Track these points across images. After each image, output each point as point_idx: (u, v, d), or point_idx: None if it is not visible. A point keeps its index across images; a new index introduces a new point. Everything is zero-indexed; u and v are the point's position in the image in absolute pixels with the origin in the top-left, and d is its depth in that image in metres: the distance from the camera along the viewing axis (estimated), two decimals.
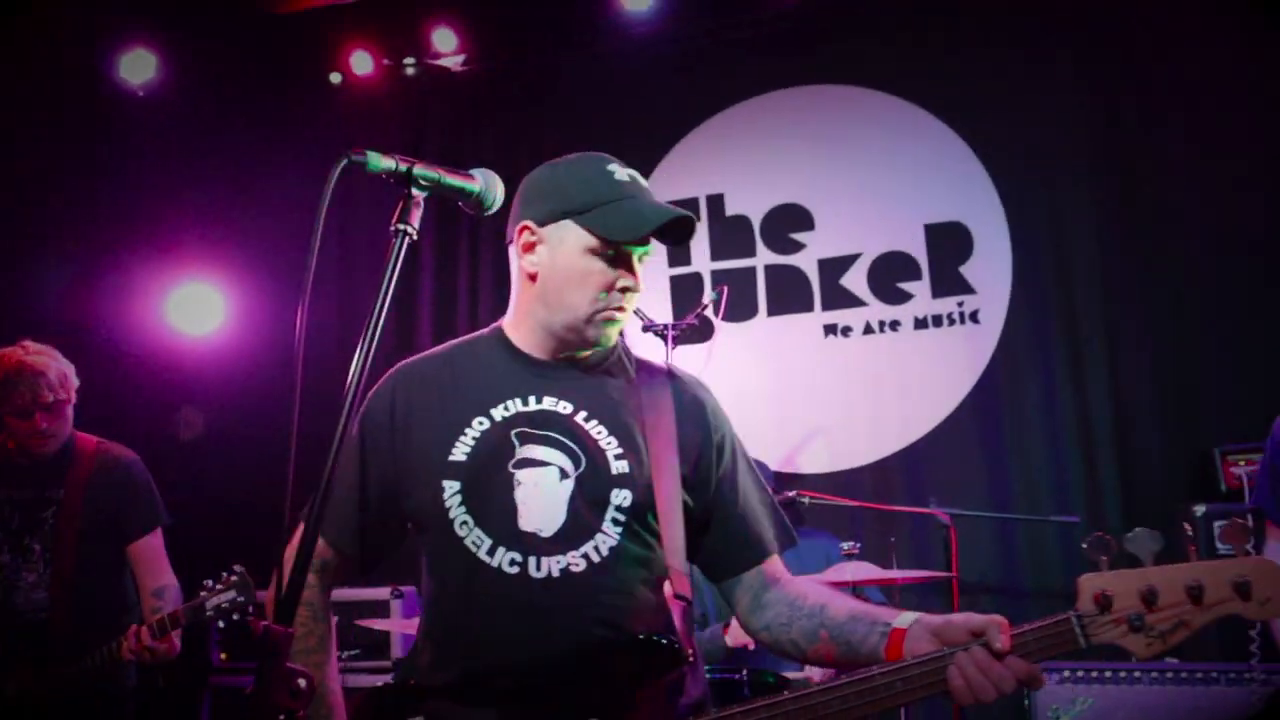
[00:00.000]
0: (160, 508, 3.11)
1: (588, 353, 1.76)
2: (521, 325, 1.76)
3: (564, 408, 1.72)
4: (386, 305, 1.38)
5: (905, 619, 1.57)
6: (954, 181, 4.52)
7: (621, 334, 1.81)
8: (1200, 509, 3.58)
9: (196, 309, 5.11)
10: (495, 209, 1.58)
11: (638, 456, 1.69)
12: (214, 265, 5.09)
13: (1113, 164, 4.29)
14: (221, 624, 2.73)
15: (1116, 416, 4.16)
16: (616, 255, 1.68)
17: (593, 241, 1.67)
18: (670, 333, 3.59)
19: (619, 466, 1.68)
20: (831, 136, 4.73)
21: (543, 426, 1.70)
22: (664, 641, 1.59)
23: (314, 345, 1.45)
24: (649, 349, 3.85)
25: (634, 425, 1.72)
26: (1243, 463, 3.56)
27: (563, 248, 1.69)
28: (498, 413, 1.72)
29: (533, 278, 1.72)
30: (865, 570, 3.37)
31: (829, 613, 1.68)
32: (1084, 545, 1.42)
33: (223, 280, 5.12)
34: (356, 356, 1.36)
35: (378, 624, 4.01)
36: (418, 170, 1.39)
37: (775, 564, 1.79)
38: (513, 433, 1.70)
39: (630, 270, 1.69)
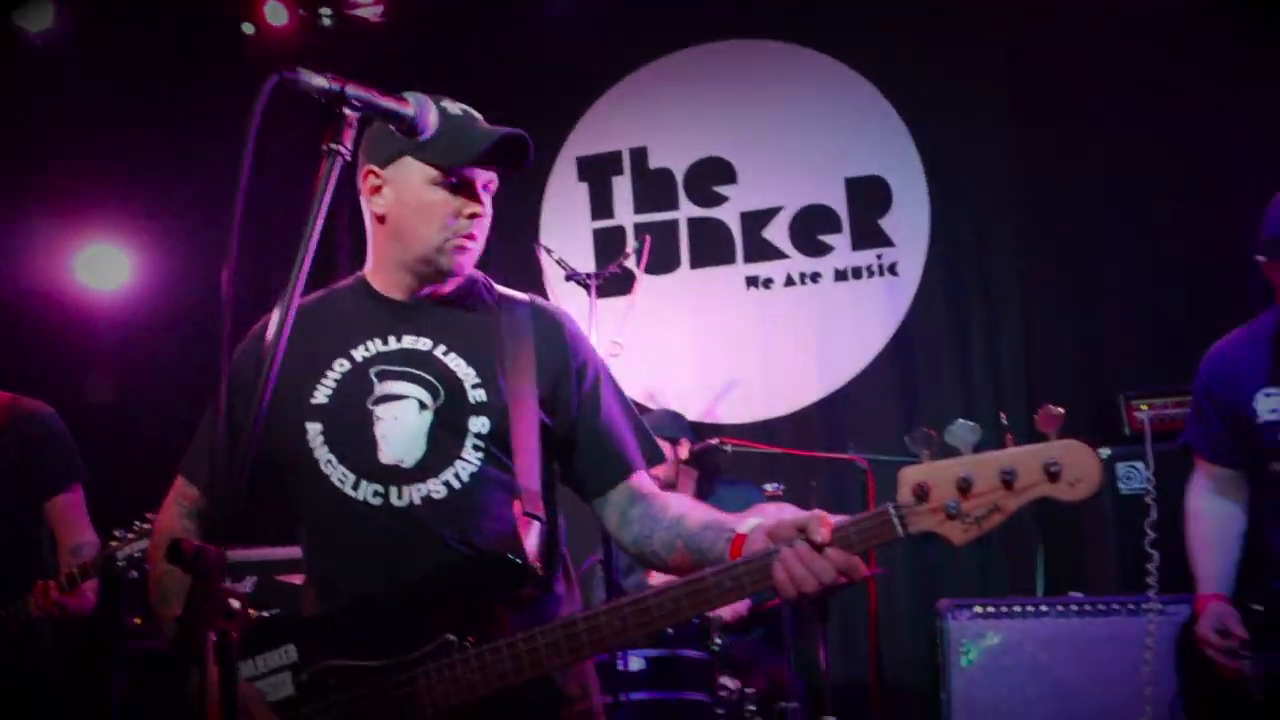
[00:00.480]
0: (79, 462, 3.04)
1: (447, 288, 1.81)
2: (379, 269, 1.82)
3: (423, 344, 1.79)
4: (317, 232, 1.35)
5: (749, 525, 1.62)
6: (874, 136, 4.59)
7: (487, 278, 1.87)
8: (1105, 452, 3.73)
9: (103, 266, 4.97)
10: (429, 135, 1.56)
11: (495, 385, 1.76)
12: (121, 221, 4.95)
13: (1031, 118, 4.38)
14: (135, 574, 2.70)
15: (1028, 365, 4.30)
16: (459, 184, 1.74)
17: (432, 172, 1.73)
18: (592, 282, 3.61)
19: (476, 395, 1.75)
20: (754, 91, 4.75)
21: (401, 363, 1.77)
22: (513, 559, 1.66)
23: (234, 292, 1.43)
24: (571, 299, 3.90)
25: (492, 354, 1.78)
26: (1145, 408, 3.70)
27: (406, 185, 1.75)
28: (358, 353, 1.79)
29: (382, 219, 1.79)
30: (788, 512, 3.44)
31: (685, 523, 1.73)
32: (905, 439, 1.50)
33: (130, 236, 4.98)
34: (283, 299, 1.33)
35: (298, 579, 3.99)
36: (350, 90, 1.38)
37: (642, 480, 1.85)
38: (372, 371, 1.77)
39: (474, 197, 1.75)
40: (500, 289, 1.89)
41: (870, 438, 4.32)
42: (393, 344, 1.78)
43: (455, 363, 1.77)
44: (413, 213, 1.74)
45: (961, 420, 1.57)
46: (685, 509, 1.76)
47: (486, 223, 1.78)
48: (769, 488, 3.36)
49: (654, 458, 1.88)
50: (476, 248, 1.77)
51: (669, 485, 4.14)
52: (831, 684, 3.57)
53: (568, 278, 3.64)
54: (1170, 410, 3.64)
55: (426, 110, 1.54)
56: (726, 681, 3.54)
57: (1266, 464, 2.41)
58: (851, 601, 4.20)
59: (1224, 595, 2.50)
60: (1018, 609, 3.44)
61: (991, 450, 1.50)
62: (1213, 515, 2.59)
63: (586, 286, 3.52)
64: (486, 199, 1.77)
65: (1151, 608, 3.31)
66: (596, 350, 1.90)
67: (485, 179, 1.76)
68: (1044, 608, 3.43)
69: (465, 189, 1.74)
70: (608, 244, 4.86)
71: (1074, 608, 3.40)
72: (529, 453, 1.74)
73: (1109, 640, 3.34)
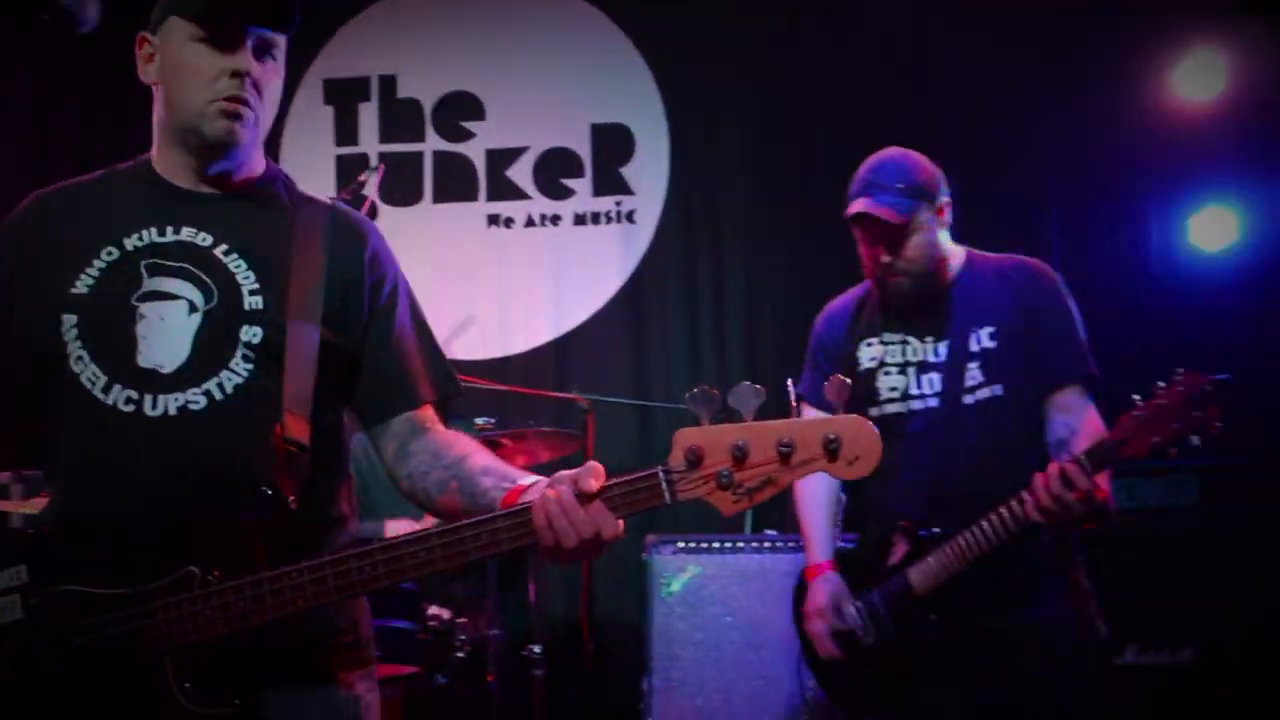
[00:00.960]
0: None
1: (236, 176, 1.67)
2: (161, 150, 1.67)
3: (203, 239, 1.63)
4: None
5: (532, 479, 1.54)
6: (621, 84, 4.67)
7: (288, 177, 1.74)
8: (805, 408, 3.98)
9: None
10: (90, 28, 1.46)
11: (276, 292, 1.61)
12: None
13: (774, 78, 4.56)
14: None
15: (750, 317, 4.51)
16: (222, 40, 1.59)
17: (192, 28, 1.60)
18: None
19: (253, 302, 1.61)
20: (509, 29, 4.73)
21: (176, 258, 1.61)
22: (266, 489, 1.53)
23: None
24: None
25: (278, 260, 1.63)
26: None
27: (170, 46, 1.62)
28: (130, 242, 1.62)
29: (156, 90, 1.66)
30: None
31: (465, 465, 1.63)
32: (687, 397, 1.40)
33: None
34: None
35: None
36: None
37: (428, 414, 1.72)
38: (143, 264, 1.61)
39: (237, 53, 1.60)
40: (303, 190, 1.73)
41: (599, 379, 4.46)
42: (169, 235, 1.62)
43: (235, 264, 1.61)
44: (175, 75, 1.60)
45: (746, 382, 1.43)
46: (470, 450, 1.65)
47: (269, 92, 1.62)
48: (479, 421, 3.40)
49: (447, 390, 1.75)
50: (249, 115, 1.60)
51: None
52: (540, 615, 3.69)
53: None
54: None
55: (87, 5, 1.44)
56: (438, 611, 3.58)
57: (865, 411, 2.45)
58: None
59: (832, 562, 2.57)
60: (716, 545, 3.64)
61: (774, 419, 1.42)
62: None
63: None
64: (261, 61, 1.60)
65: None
66: (398, 265, 1.77)
67: (258, 37, 1.60)
68: (740, 544, 3.65)
69: (229, 45, 1.58)
70: (350, 171, 4.72)
71: (767, 544, 3.64)
72: (302, 370, 1.59)
73: (795, 574, 3.59)
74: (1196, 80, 4.36)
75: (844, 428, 1.36)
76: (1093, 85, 4.46)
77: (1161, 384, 1.98)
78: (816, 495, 2.69)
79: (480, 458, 1.63)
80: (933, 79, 4.47)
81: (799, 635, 2.65)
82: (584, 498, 1.39)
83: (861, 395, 2.48)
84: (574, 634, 4.24)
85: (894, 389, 2.46)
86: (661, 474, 1.40)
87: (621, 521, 1.40)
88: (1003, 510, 2.24)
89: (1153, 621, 3.62)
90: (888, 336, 2.49)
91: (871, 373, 2.49)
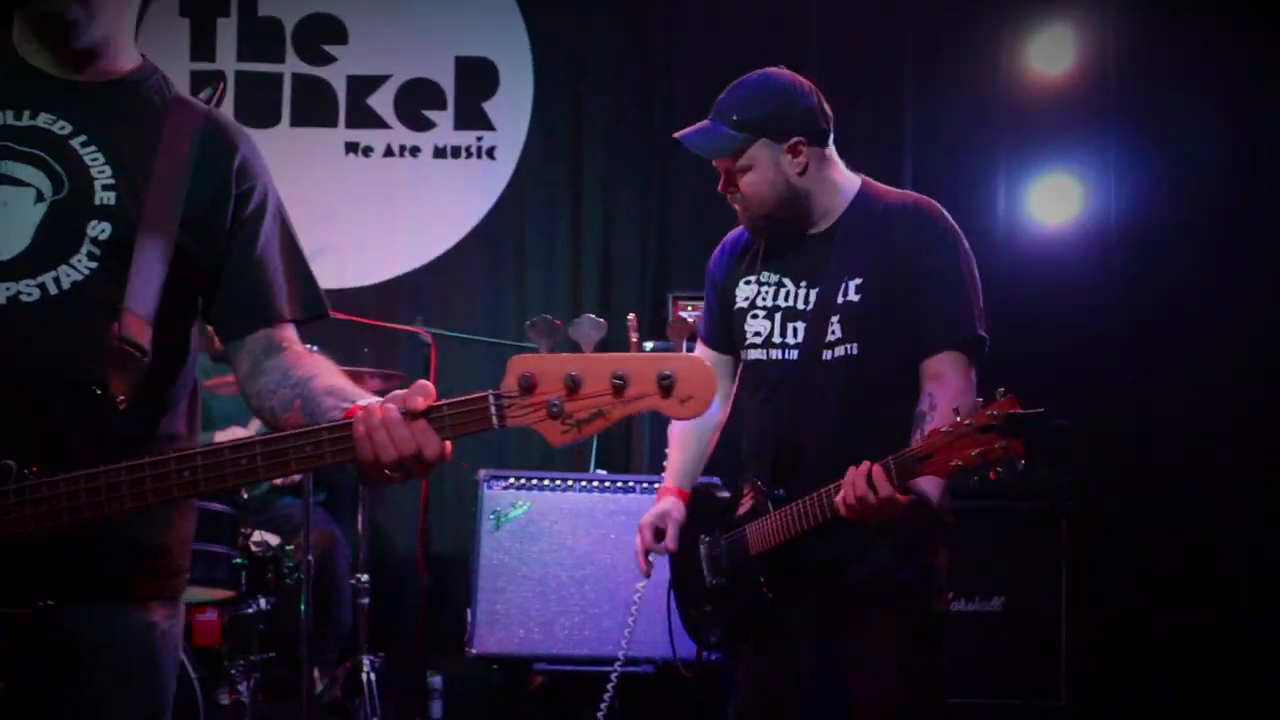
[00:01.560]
0: None
1: (101, 66, 1.58)
2: (18, 28, 1.57)
3: (61, 128, 1.55)
4: None
5: (372, 399, 1.47)
6: (488, 17, 4.62)
7: (165, 77, 1.66)
8: (649, 345, 4.04)
9: None
10: None
11: (132, 190, 1.54)
12: None
13: (641, 11, 4.56)
14: None
15: (604, 259, 4.54)
16: None
17: None
18: None
19: (105, 197, 1.53)
20: None
21: (28, 143, 1.53)
22: (94, 387, 1.46)
23: None
24: None
25: (139, 158, 1.55)
26: (690, 308, 4.03)
27: None
28: None
29: None
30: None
31: (311, 385, 1.57)
32: (528, 325, 1.38)
33: None
34: None
35: None
36: None
37: (286, 332, 1.66)
38: None
39: None
40: (180, 93, 1.65)
41: (452, 316, 4.45)
42: (25, 120, 1.53)
43: (92, 156, 1.53)
44: None
45: (589, 315, 1.45)
46: (319, 371, 1.59)
47: None
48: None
49: (312, 311, 1.69)
50: None
51: None
52: (373, 546, 3.70)
53: None
54: None
55: None
56: (266, 538, 3.56)
57: (740, 352, 2.35)
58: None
59: (683, 490, 2.45)
60: (547, 481, 3.69)
61: (614, 352, 1.43)
62: None
63: None
64: None
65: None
66: (272, 179, 1.69)
67: None
68: (570, 482, 3.70)
69: None
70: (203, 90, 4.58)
71: (596, 483, 3.70)
72: (149, 274, 1.52)
73: (624, 513, 3.67)
74: (1048, 54, 4.49)
75: (679, 365, 1.33)
76: (950, 53, 4.57)
77: (980, 400, 1.82)
78: (684, 434, 2.51)
79: (328, 378, 1.58)
80: (799, 25, 4.51)
81: (670, 566, 2.57)
82: (409, 415, 1.36)
83: (737, 336, 2.33)
84: (410, 565, 4.26)
85: (758, 334, 2.28)
86: (491, 398, 1.37)
87: (449, 443, 1.39)
88: (820, 494, 2.06)
89: (967, 570, 3.78)
90: (765, 276, 2.28)
91: (742, 313, 2.31)
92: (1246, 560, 3.92)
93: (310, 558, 3.30)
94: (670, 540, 2.40)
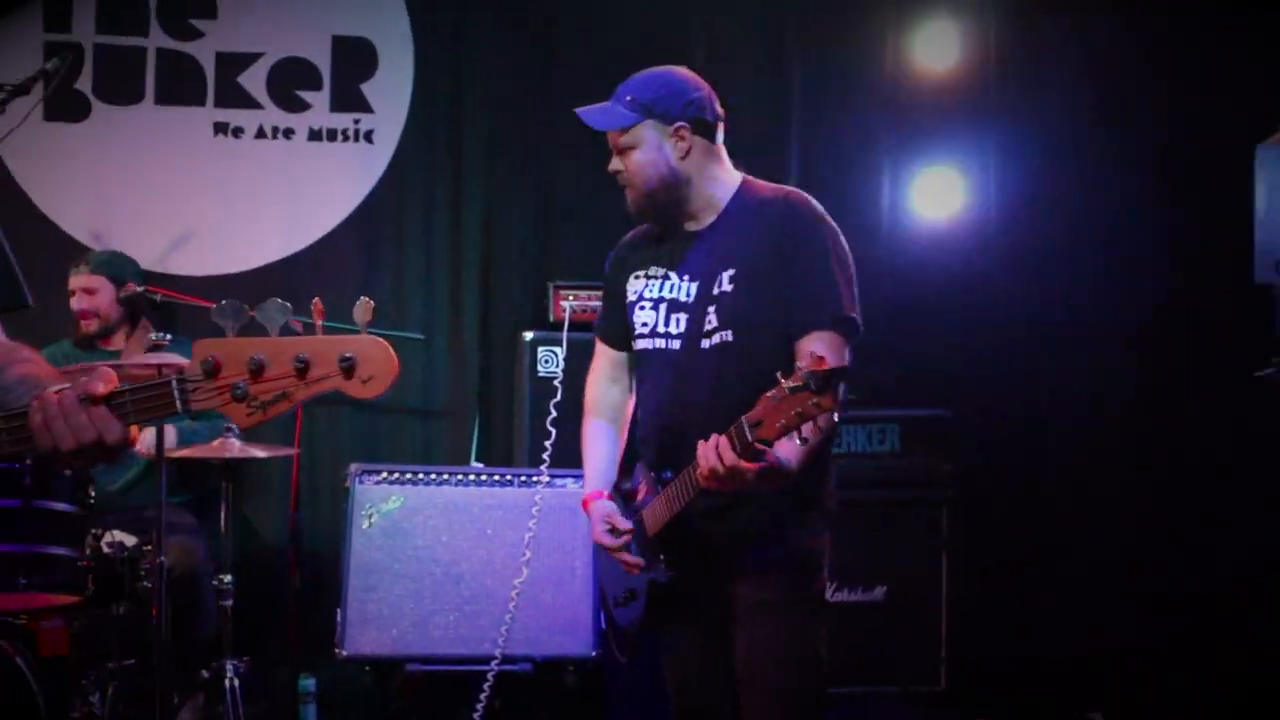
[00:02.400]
0: None
1: None
2: None
3: None
4: None
5: (62, 386, 1.47)
6: None
7: None
8: (529, 335, 3.95)
9: None
10: None
11: None
12: None
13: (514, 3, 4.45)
14: None
15: (485, 247, 4.42)
16: None
17: None
18: None
19: None
20: None
21: None
22: None
23: None
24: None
25: None
26: (571, 297, 3.95)
27: None
28: None
29: None
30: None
31: (3, 375, 1.58)
32: (213, 310, 1.36)
33: None
34: None
35: None
36: None
37: None
38: None
39: None
40: None
41: (327, 302, 4.24)
42: None
43: None
44: None
45: (275, 299, 1.48)
46: (13, 360, 1.59)
47: None
48: (154, 336, 3.19)
49: (7, 301, 1.67)
50: None
51: (107, 327, 3.86)
52: (239, 545, 3.53)
53: None
54: (592, 302, 3.91)
55: None
56: (121, 538, 3.37)
57: (633, 343, 2.46)
58: (278, 474, 4.19)
59: (605, 492, 2.47)
60: (422, 476, 3.58)
61: (301, 336, 1.43)
62: (604, 406, 2.57)
63: None
64: None
65: (541, 480, 3.60)
66: None
67: None
68: (446, 475, 3.59)
69: None
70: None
71: (472, 477, 3.60)
72: None
73: (501, 507, 3.58)
74: (931, 48, 4.53)
75: (360, 347, 1.40)
76: (835, 48, 4.57)
77: (799, 366, 1.93)
78: (593, 427, 2.57)
79: (22, 367, 1.58)
80: (683, 15, 4.47)
81: (595, 565, 2.65)
82: (89, 401, 1.37)
83: (631, 327, 2.43)
84: (282, 563, 4.09)
85: (645, 324, 2.39)
86: (175, 382, 1.39)
87: (135, 428, 1.40)
88: (687, 470, 2.16)
89: (848, 560, 3.78)
90: (653, 271, 2.41)
91: (632, 306, 2.42)
92: (1123, 546, 4.01)
93: (164, 559, 3.11)
94: (621, 523, 2.40)
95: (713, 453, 2.02)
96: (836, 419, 1.93)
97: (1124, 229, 4.04)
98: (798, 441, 1.94)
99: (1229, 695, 3.45)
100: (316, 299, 1.57)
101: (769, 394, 1.95)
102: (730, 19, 4.52)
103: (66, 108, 4.29)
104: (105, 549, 3.27)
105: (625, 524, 2.38)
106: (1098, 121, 4.14)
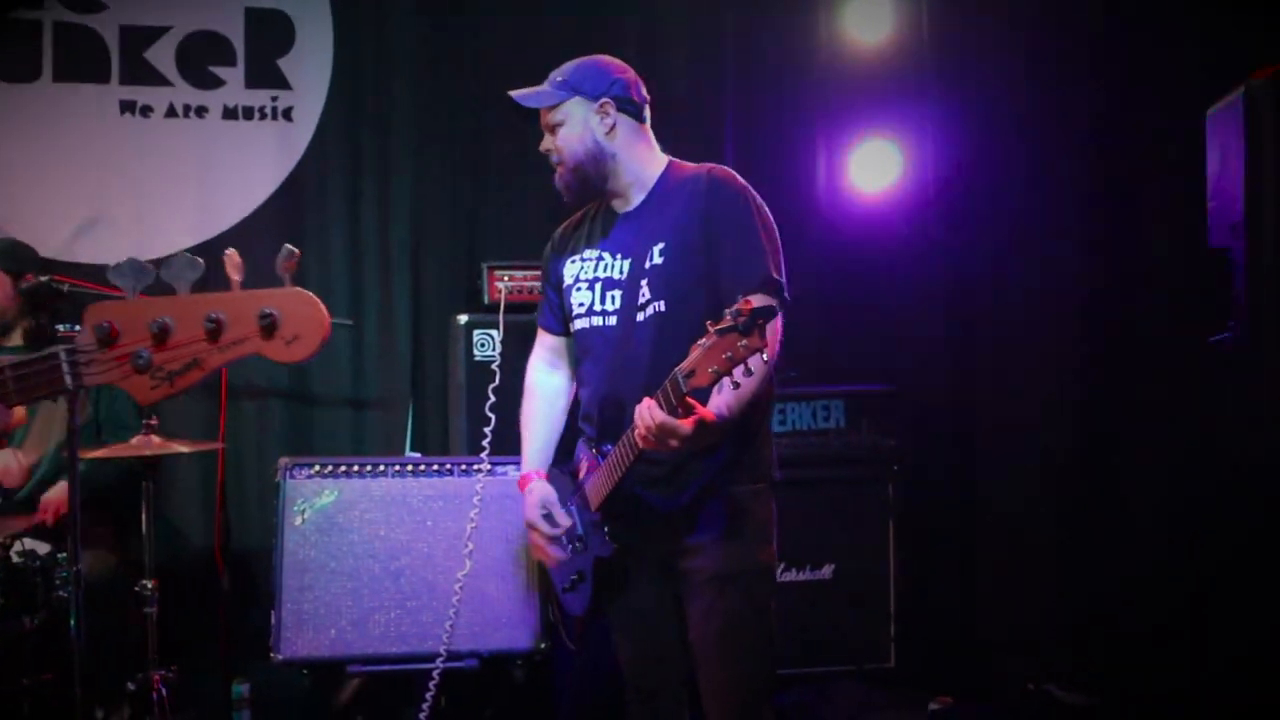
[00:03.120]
0: None
1: None
2: None
3: None
4: None
5: None
6: None
7: None
8: (464, 318, 3.80)
9: None
10: None
11: None
12: None
13: None
14: None
15: (414, 228, 4.25)
16: None
17: None
18: None
19: None
20: None
21: None
22: None
23: None
24: None
25: None
26: (506, 278, 3.81)
27: None
28: None
29: None
30: None
31: None
32: (110, 270, 1.22)
33: None
34: None
35: None
36: None
37: None
38: None
39: None
40: None
41: (249, 289, 4.06)
42: None
43: None
44: None
45: (185, 253, 1.29)
46: None
47: None
48: (62, 328, 2.99)
49: None
50: None
51: (5, 322, 3.62)
52: (163, 548, 3.33)
53: None
54: (529, 283, 3.78)
55: None
56: (33, 546, 3.18)
57: (572, 325, 2.50)
58: (202, 471, 3.99)
59: (542, 472, 2.54)
60: (355, 468, 3.41)
61: (213, 293, 1.28)
62: (543, 389, 2.63)
63: None
64: None
65: (481, 469, 3.46)
66: None
67: None
68: (382, 467, 3.43)
69: None
70: None
71: (409, 467, 3.44)
72: None
73: (441, 498, 3.43)
74: (865, 22, 4.46)
75: (283, 302, 1.24)
76: (769, 22, 4.49)
77: (727, 313, 1.96)
78: (531, 410, 2.63)
79: None
80: None
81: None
82: None
83: (567, 311, 2.50)
84: (208, 566, 3.89)
85: (582, 304, 2.44)
86: (63, 354, 1.25)
87: (19, 409, 1.30)
88: (625, 435, 2.22)
89: (796, 540, 3.72)
90: (587, 253, 2.47)
91: (569, 289, 2.48)
92: (1063, 520, 4.01)
93: (80, 567, 2.89)
94: (561, 518, 2.45)
95: (645, 411, 2.06)
96: (766, 359, 1.98)
97: (1066, 198, 4.03)
98: (730, 389, 1.99)
99: (1185, 662, 3.47)
100: (231, 249, 1.40)
101: (699, 342, 1.99)
102: None
103: None
104: (15, 558, 3.06)
105: (563, 517, 2.43)
106: (1035, 89, 4.11)
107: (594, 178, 2.42)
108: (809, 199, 4.49)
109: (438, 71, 4.29)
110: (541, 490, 2.47)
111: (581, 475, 2.49)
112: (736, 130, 4.45)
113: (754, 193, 2.36)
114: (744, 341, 1.90)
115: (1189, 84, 3.31)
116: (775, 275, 2.28)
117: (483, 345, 3.71)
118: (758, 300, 1.97)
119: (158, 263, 1.50)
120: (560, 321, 2.56)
